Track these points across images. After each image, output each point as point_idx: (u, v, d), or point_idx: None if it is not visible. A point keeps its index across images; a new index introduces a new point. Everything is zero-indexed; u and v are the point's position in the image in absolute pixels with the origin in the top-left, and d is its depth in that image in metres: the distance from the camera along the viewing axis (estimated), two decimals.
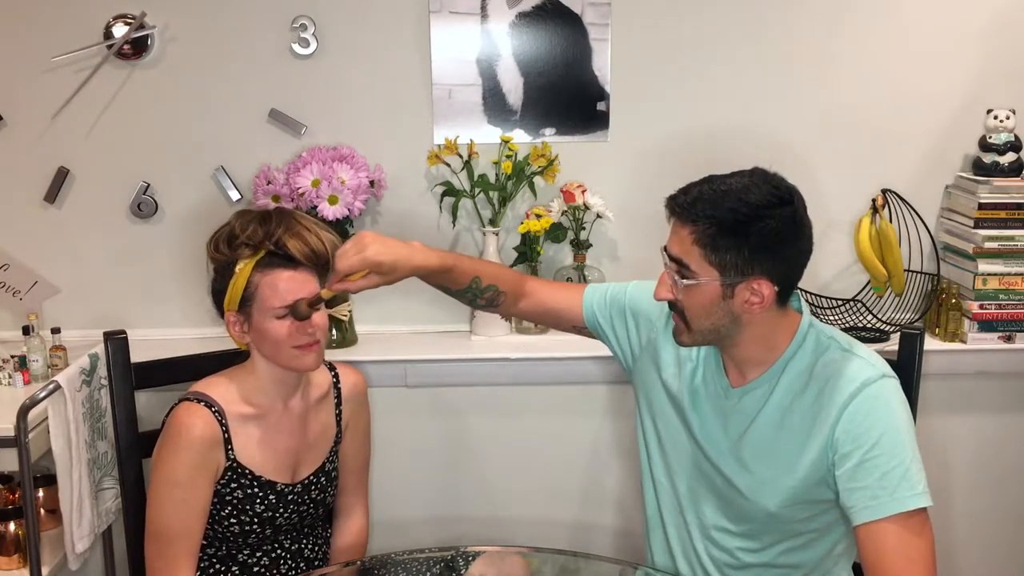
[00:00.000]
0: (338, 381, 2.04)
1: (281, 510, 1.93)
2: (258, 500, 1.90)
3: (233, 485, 1.88)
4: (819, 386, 1.68)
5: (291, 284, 1.81)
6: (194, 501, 1.83)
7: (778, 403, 1.70)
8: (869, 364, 1.68)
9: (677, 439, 1.84)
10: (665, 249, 1.69)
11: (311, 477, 1.97)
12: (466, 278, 1.85)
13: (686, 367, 1.82)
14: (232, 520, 1.90)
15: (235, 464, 1.87)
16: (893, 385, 1.67)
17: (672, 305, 1.71)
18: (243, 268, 1.83)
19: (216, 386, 1.90)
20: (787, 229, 1.62)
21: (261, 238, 1.83)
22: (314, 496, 1.98)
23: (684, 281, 1.65)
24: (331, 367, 2.05)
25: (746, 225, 1.60)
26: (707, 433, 1.78)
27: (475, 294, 1.87)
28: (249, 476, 1.89)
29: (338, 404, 2.03)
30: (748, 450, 1.73)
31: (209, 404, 1.85)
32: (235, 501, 1.89)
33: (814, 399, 1.68)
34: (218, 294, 1.88)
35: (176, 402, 1.89)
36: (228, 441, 1.86)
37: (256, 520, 1.91)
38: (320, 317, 1.87)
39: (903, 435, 1.62)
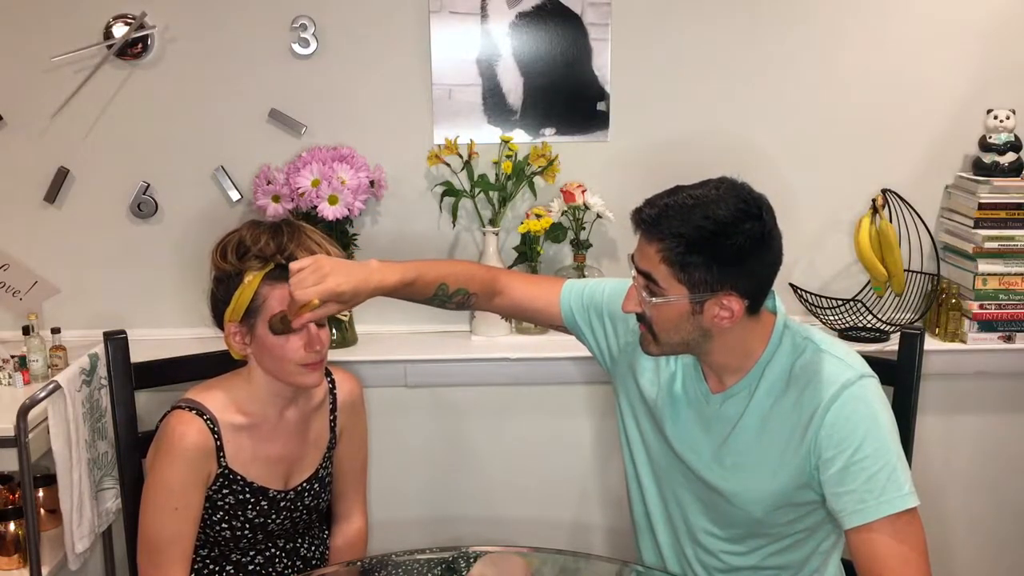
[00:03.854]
0: (334, 387, 2.03)
1: (273, 516, 1.93)
2: (250, 506, 1.89)
3: (225, 491, 1.87)
4: (799, 389, 1.66)
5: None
6: (186, 509, 1.82)
7: (759, 408, 1.69)
8: (847, 365, 1.66)
9: (658, 445, 1.82)
10: (632, 259, 1.66)
11: (304, 484, 1.96)
12: (431, 287, 1.79)
13: (664, 374, 1.80)
14: (224, 525, 1.89)
15: (227, 470, 1.86)
16: (873, 385, 1.65)
17: (640, 317, 1.68)
18: (252, 280, 1.81)
19: (210, 394, 1.88)
20: (755, 244, 1.58)
21: (273, 251, 1.80)
22: (307, 503, 1.97)
23: (653, 299, 1.62)
24: (327, 372, 2.03)
25: (713, 241, 1.56)
26: (686, 441, 1.76)
27: (443, 300, 1.83)
28: (241, 482, 1.88)
29: (333, 411, 2.02)
30: (731, 456, 1.71)
31: (201, 412, 1.84)
32: (227, 506, 1.88)
33: (794, 403, 1.66)
34: (219, 303, 1.86)
35: (169, 409, 1.87)
36: (220, 449, 1.85)
37: (248, 526, 1.91)
38: (326, 334, 1.86)
39: (886, 436, 1.61)
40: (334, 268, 1.65)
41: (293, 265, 1.65)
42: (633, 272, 1.67)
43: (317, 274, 1.63)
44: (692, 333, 1.64)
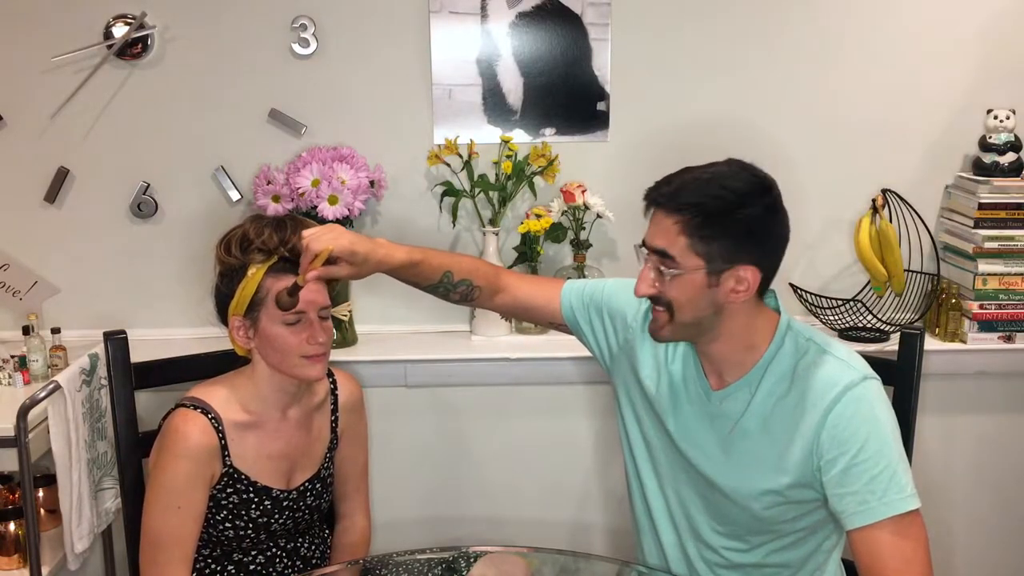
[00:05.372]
0: (335, 388, 2.04)
1: (276, 516, 1.93)
2: (253, 505, 1.90)
3: (229, 490, 1.88)
4: (801, 390, 1.66)
5: (304, 290, 1.80)
6: (189, 508, 1.83)
7: (760, 407, 1.69)
8: (849, 366, 1.66)
9: (660, 442, 1.83)
10: (643, 244, 1.67)
11: (306, 484, 1.97)
12: (436, 273, 1.83)
13: (664, 371, 1.80)
14: (227, 525, 1.89)
15: (231, 470, 1.87)
16: (875, 386, 1.66)
17: (655, 299, 1.68)
18: (255, 272, 1.82)
19: (214, 392, 1.88)
20: (768, 216, 1.62)
21: (276, 244, 1.82)
22: (309, 502, 1.98)
23: (671, 271, 1.62)
24: (329, 373, 2.04)
25: (731, 212, 1.59)
26: (689, 437, 1.76)
27: (447, 288, 1.85)
28: (245, 481, 1.88)
29: (334, 411, 2.03)
30: (732, 454, 1.72)
31: (206, 411, 1.84)
32: (231, 506, 1.88)
33: (796, 403, 1.66)
34: (223, 298, 1.87)
35: (173, 407, 1.88)
36: (225, 448, 1.85)
37: (251, 525, 1.91)
38: (329, 327, 1.86)
39: (888, 437, 1.61)
40: (348, 231, 1.73)
41: (306, 232, 1.71)
42: (645, 254, 1.67)
43: (333, 232, 1.71)
44: (706, 310, 1.64)
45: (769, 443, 1.68)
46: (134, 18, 2.48)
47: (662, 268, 1.64)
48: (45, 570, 2.19)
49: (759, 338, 1.70)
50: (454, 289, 1.86)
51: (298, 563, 2.00)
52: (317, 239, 1.69)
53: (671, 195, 1.62)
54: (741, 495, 1.72)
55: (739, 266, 1.61)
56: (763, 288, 1.67)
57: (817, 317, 2.60)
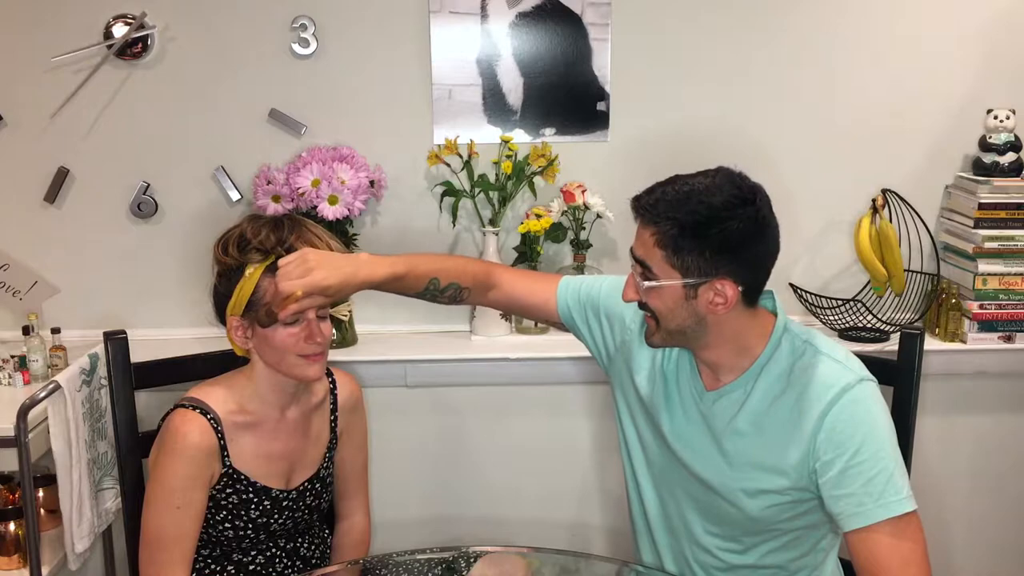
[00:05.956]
0: (335, 388, 2.04)
1: (276, 516, 1.93)
2: (253, 505, 1.90)
3: (228, 490, 1.87)
4: (797, 392, 1.66)
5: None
6: (189, 508, 1.82)
7: (755, 408, 1.69)
8: (847, 368, 1.66)
9: (654, 443, 1.83)
10: (631, 250, 1.68)
11: (306, 484, 1.97)
12: (421, 282, 1.81)
13: (659, 371, 1.80)
14: (227, 525, 1.89)
15: (231, 470, 1.87)
16: (872, 388, 1.65)
17: (643, 306, 1.69)
18: (253, 272, 1.81)
19: (213, 392, 1.88)
20: (749, 229, 1.59)
21: (274, 243, 1.81)
22: (309, 502, 1.98)
23: (646, 283, 1.64)
24: (328, 373, 2.04)
25: (707, 227, 1.58)
26: (682, 437, 1.76)
27: (434, 294, 1.84)
28: (244, 481, 1.88)
29: (333, 411, 2.03)
30: (727, 455, 1.71)
31: (205, 411, 1.84)
32: (230, 506, 1.88)
33: (792, 405, 1.66)
34: (221, 298, 1.86)
35: (171, 407, 1.88)
36: (224, 448, 1.85)
37: (251, 525, 1.91)
38: (327, 327, 1.86)
39: (885, 440, 1.61)
40: (320, 261, 1.68)
41: (281, 261, 1.69)
42: (632, 261, 1.68)
43: (303, 267, 1.66)
44: (688, 320, 1.64)
45: (764, 444, 1.68)
46: (134, 18, 2.48)
47: (640, 278, 1.65)
48: (45, 570, 2.19)
49: (753, 341, 1.69)
50: (442, 294, 1.85)
51: (298, 563, 2.00)
52: (286, 276, 1.66)
53: (650, 207, 1.62)
54: (736, 496, 1.71)
55: (716, 280, 1.60)
56: (751, 298, 1.66)
57: (817, 317, 2.61)
